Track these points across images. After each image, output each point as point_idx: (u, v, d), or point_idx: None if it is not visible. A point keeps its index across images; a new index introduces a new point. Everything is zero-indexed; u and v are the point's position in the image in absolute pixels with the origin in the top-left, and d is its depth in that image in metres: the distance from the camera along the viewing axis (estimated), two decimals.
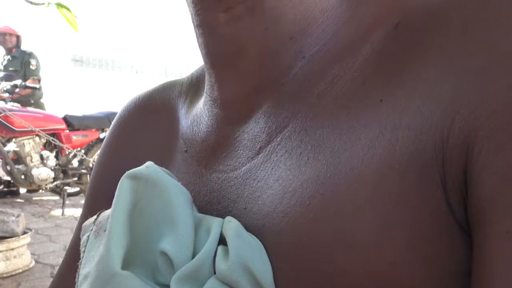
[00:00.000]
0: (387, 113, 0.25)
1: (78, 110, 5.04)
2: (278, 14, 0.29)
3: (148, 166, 0.29)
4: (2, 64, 4.97)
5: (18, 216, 2.49)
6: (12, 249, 2.39)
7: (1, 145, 3.84)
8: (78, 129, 4.31)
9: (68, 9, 2.49)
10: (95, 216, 0.32)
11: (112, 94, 10.60)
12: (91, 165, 4.23)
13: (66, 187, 4.13)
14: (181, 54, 12.68)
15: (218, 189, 0.32)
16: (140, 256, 0.27)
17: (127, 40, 10.62)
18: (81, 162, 4.31)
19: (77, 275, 0.30)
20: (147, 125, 0.41)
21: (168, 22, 11.60)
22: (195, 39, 0.34)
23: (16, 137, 3.90)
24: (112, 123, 0.44)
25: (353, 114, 0.26)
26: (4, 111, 3.77)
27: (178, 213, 0.27)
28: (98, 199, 0.42)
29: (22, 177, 3.87)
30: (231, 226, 0.27)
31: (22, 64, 4.87)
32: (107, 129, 4.44)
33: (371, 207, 0.24)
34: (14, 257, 2.40)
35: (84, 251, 0.30)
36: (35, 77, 4.82)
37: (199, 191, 0.33)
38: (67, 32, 4.34)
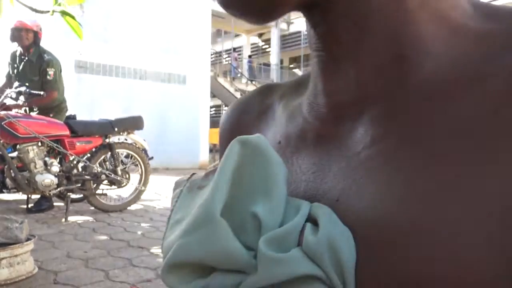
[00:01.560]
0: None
1: (82, 116, 5.06)
2: (394, 34, 0.31)
3: (259, 136, 0.31)
4: (17, 66, 4.47)
5: (21, 222, 2.50)
6: (16, 255, 2.39)
7: (5, 151, 3.86)
8: (81, 136, 4.33)
9: (72, 17, 2.51)
10: (188, 175, 0.37)
11: (115, 100, 10.64)
12: (94, 171, 4.24)
13: (69, 193, 4.14)
14: (184, 60, 12.72)
15: (306, 180, 0.33)
16: (231, 214, 0.29)
17: (130, 47, 10.67)
18: (84, 168, 4.32)
19: (168, 220, 0.34)
20: (248, 120, 0.43)
21: (172, 28, 11.65)
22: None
23: (20, 144, 3.92)
24: (220, 127, 0.47)
25: (478, 142, 0.25)
26: (9, 117, 3.79)
27: (276, 184, 0.29)
28: None
29: (26, 183, 3.89)
30: (323, 209, 0.28)
31: (39, 72, 4.36)
32: (110, 135, 4.45)
33: (478, 226, 0.24)
34: (18, 263, 2.40)
35: (176, 201, 0.35)
36: (52, 90, 4.33)
37: (291, 179, 0.34)
38: (71, 38, 4.36)
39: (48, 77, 4.33)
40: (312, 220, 0.28)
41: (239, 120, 0.45)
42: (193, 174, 0.37)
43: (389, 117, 0.30)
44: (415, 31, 0.30)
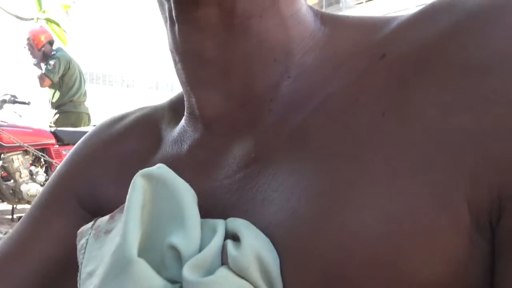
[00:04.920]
0: (391, 125, 0.26)
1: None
2: (262, 40, 0.31)
3: (160, 167, 0.31)
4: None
5: (6, 233, 2.45)
6: None
7: None
8: (68, 144, 4.27)
9: (57, 24, 2.49)
10: (91, 222, 0.35)
11: (103, 108, 10.57)
12: None
13: None
14: (172, 68, 12.64)
15: (211, 196, 0.33)
16: (148, 251, 0.29)
17: (117, 55, 10.61)
18: None
19: (78, 274, 0.33)
20: (124, 140, 0.42)
21: (159, 36, 11.61)
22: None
23: (4, 153, 3.86)
24: (84, 136, 0.45)
25: (351, 127, 0.28)
26: None
27: (187, 211, 0.29)
28: (53, 210, 0.42)
29: (11, 193, 3.82)
30: (240, 222, 0.29)
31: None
32: None
33: (377, 204, 0.25)
34: None
35: (84, 253, 0.33)
36: (47, 75, 4.20)
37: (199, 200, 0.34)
38: (56, 46, 4.33)
39: (48, 66, 4.22)
40: (231, 236, 0.28)
41: (116, 139, 0.42)
42: (97, 219, 0.35)
43: (267, 124, 0.32)
44: (283, 35, 0.32)
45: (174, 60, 0.35)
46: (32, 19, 2.61)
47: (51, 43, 4.30)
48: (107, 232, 0.32)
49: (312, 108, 0.30)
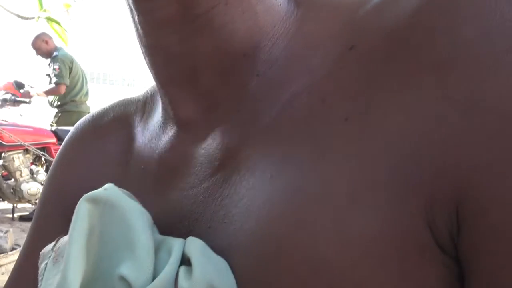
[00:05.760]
0: (353, 131, 0.24)
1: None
2: (228, 31, 0.29)
3: (107, 189, 0.28)
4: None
5: (6, 232, 2.45)
6: (0, 265, 2.35)
7: None
8: None
9: (58, 23, 2.49)
10: (53, 242, 0.31)
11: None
12: None
13: None
14: None
15: (179, 208, 0.31)
16: (97, 284, 0.27)
17: (118, 54, 10.62)
18: None
19: None
20: (102, 143, 0.39)
21: None
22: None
23: (5, 152, 3.86)
24: (64, 140, 0.43)
25: (314, 131, 0.26)
26: None
27: (138, 236, 0.26)
28: (48, 220, 0.40)
29: (11, 192, 3.83)
30: (195, 245, 0.27)
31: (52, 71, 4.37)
32: None
33: (335, 223, 0.23)
34: (2, 273, 2.35)
35: (42, 280, 0.30)
36: (59, 82, 4.27)
37: (159, 210, 0.31)
38: (57, 45, 4.33)
39: (54, 71, 4.30)
40: (186, 259, 0.26)
41: (92, 136, 0.40)
42: (59, 238, 0.31)
43: (234, 130, 0.30)
44: (252, 24, 0.29)
45: (142, 53, 0.32)
46: (33, 18, 2.61)
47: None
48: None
49: (279, 109, 0.28)
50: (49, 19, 2.50)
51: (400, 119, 0.23)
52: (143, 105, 0.39)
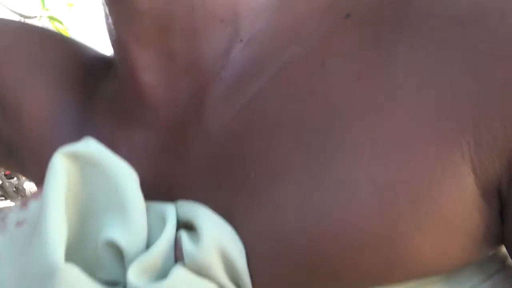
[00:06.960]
0: (370, 89, 0.23)
1: None
2: None
3: (88, 144, 0.24)
4: None
5: None
6: None
7: None
8: None
9: (60, 22, 2.50)
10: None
11: None
12: None
13: None
14: None
15: (153, 181, 0.28)
16: (79, 250, 0.24)
17: None
18: None
19: None
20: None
21: None
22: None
23: None
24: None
25: (318, 94, 0.24)
26: None
27: (128, 197, 0.23)
28: None
29: (14, 190, 3.83)
30: (193, 205, 0.24)
31: None
32: None
33: (360, 174, 0.22)
34: None
35: None
36: None
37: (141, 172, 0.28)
38: None
39: None
40: (183, 224, 0.24)
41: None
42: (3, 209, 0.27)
43: (218, 95, 0.28)
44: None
45: (106, 15, 0.29)
46: (36, 17, 2.62)
47: None
48: (19, 224, 0.25)
49: (270, 75, 0.26)
50: (51, 18, 2.51)
51: (425, 71, 0.22)
52: (104, 62, 0.36)
